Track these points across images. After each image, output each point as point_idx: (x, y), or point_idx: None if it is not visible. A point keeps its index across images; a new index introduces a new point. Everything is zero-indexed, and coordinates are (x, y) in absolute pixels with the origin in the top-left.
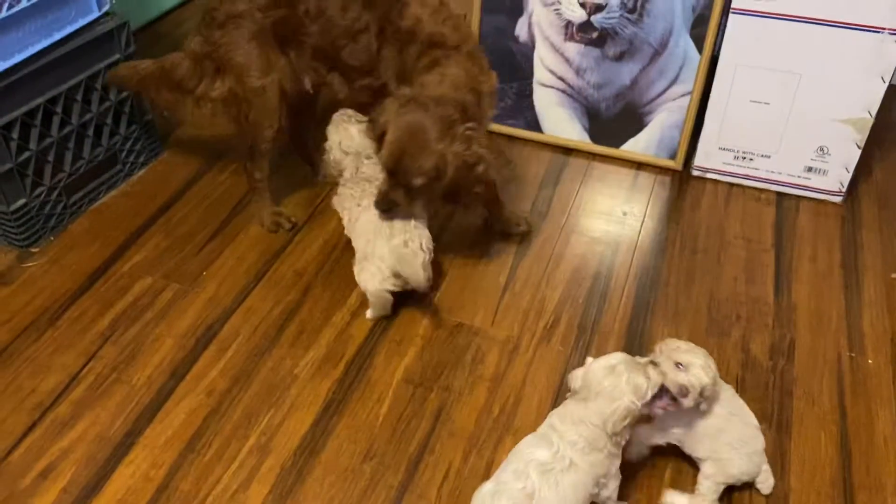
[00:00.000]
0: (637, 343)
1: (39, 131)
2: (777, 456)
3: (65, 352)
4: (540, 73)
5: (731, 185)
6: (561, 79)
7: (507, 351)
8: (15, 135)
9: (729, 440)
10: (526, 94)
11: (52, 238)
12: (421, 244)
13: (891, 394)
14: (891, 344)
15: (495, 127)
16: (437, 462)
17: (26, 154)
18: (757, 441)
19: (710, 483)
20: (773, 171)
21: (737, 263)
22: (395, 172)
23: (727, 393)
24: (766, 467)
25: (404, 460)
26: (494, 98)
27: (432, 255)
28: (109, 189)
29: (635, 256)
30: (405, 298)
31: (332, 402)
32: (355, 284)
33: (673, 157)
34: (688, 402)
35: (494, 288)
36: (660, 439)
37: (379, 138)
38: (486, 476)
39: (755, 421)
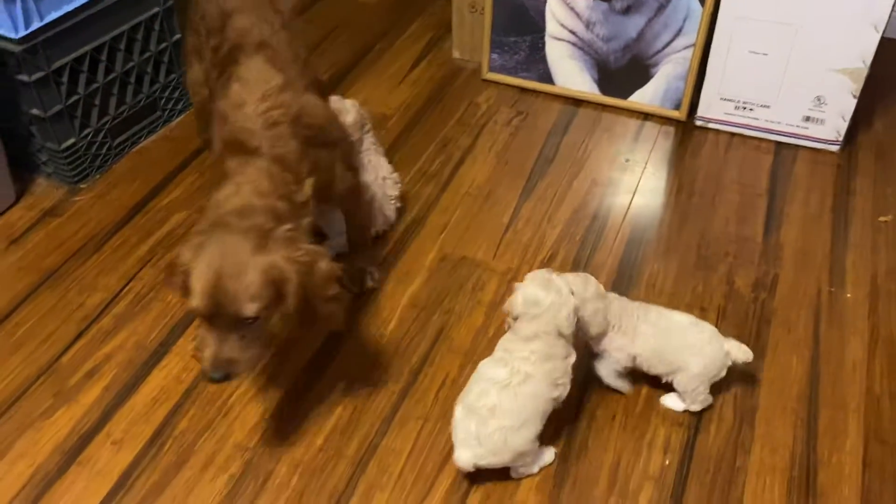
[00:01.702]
0: (627, 276)
1: (87, 77)
2: (749, 376)
3: (108, 274)
4: (552, 27)
5: (732, 134)
6: (572, 32)
7: (505, 280)
8: (64, 79)
9: (676, 347)
10: (538, 48)
11: (97, 176)
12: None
13: (865, 325)
14: (871, 281)
15: (510, 79)
16: (435, 372)
17: (75, 97)
18: (701, 334)
19: (689, 393)
20: (772, 121)
21: (730, 206)
22: (217, 313)
23: (653, 312)
24: (728, 345)
25: (406, 370)
26: (308, 208)
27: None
28: (150, 133)
29: (633, 199)
30: (412, 236)
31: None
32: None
33: (677, 107)
34: None
35: (498, 226)
36: (623, 363)
37: (183, 289)
38: None
39: (686, 318)
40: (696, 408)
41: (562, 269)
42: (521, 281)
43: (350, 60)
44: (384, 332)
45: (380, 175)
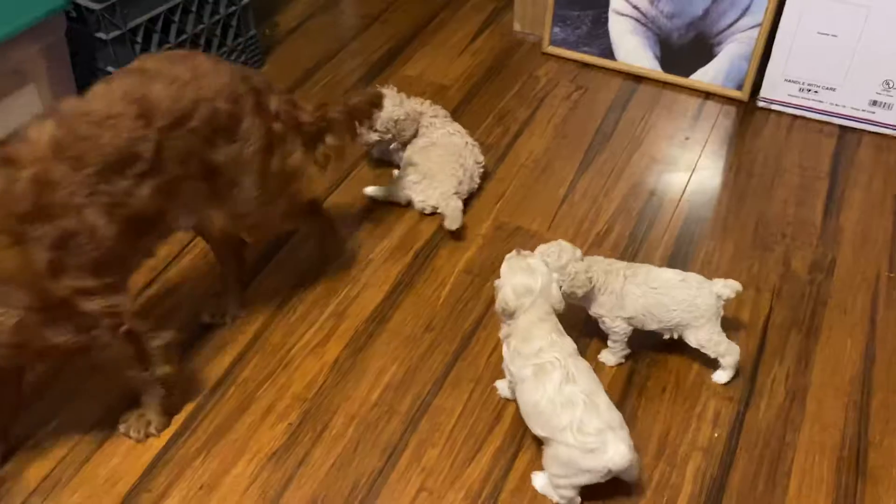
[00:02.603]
0: (683, 253)
1: (159, 37)
2: (802, 355)
3: None
4: (615, 2)
5: (795, 117)
6: (635, 7)
7: None
8: (139, 38)
9: (666, 305)
10: (601, 22)
11: None
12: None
13: None
14: None
15: (570, 53)
16: (487, 337)
17: None
18: (689, 290)
19: (708, 348)
20: (837, 104)
21: (789, 188)
22: None
23: (641, 271)
24: (715, 287)
25: (459, 333)
26: None
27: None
28: None
29: (692, 178)
30: (469, 205)
31: (401, 282)
32: None
33: (740, 87)
34: None
35: (553, 199)
36: (623, 331)
37: None
38: None
39: (674, 275)
40: (730, 360)
41: (617, 244)
42: (498, 277)
43: (411, 31)
44: (440, 294)
45: (468, 141)
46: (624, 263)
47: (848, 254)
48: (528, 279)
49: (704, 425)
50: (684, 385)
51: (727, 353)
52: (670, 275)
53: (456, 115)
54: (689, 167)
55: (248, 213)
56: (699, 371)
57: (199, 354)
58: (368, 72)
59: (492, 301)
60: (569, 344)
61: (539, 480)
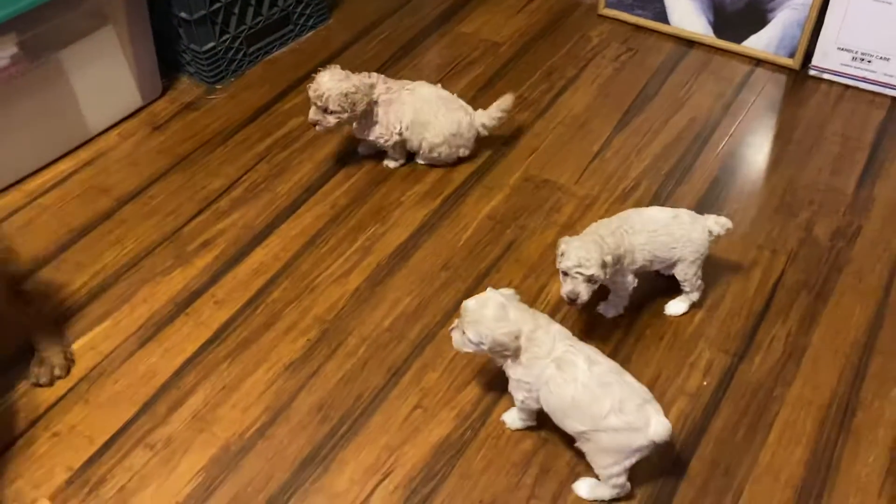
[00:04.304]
0: (702, 212)
1: None
2: (807, 317)
3: (230, 164)
4: None
5: (846, 87)
6: None
7: (583, 205)
8: None
9: (665, 244)
10: None
11: (232, 79)
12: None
13: None
14: None
15: (625, 16)
16: (500, 278)
17: (217, 5)
18: (683, 226)
19: (689, 281)
20: (890, 75)
21: (827, 157)
22: None
23: (632, 217)
24: (707, 223)
25: (474, 274)
26: None
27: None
28: (281, 45)
29: (728, 141)
30: (501, 157)
31: (426, 225)
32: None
33: (792, 55)
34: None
35: (586, 154)
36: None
37: None
38: (539, 295)
39: (664, 213)
40: (695, 296)
41: (640, 200)
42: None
43: None
44: (461, 237)
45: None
46: (614, 220)
47: (876, 224)
48: (505, 323)
49: (695, 373)
50: (682, 336)
51: (699, 289)
52: (661, 213)
53: (504, 71)
54: (728, 132)
55: None
56: (700, 324)
57: (235, 277)
58: (426, 28)
59: (508, 245)
60: (565, 330)
61: (583, 487)
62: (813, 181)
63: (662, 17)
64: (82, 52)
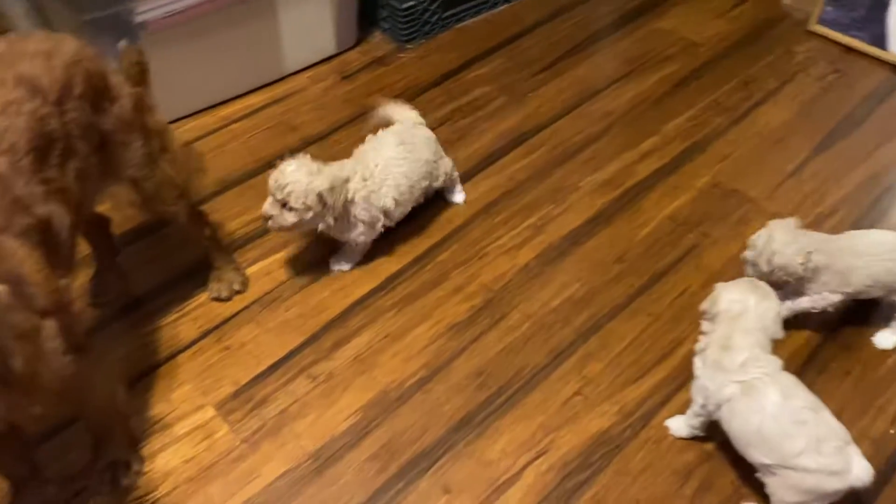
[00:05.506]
0: None
1: None
2: None
3: None
4: None
5: None
6: None
7: None
8: None
9: (890, 269)
10: (881, 6)
11: (423, 40)
12: None
13: None
14: None
15: (837, 35)
16: (676, 282)
17: None
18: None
19: None
20: None
21: None
22: None
23: (856, 239)
24: None
25: (649, 272)
26: None
27: None
28: (475, 15)
29: None
30: (688, 158)
31: (603, 213)
32: (651, 132)
33: None
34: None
35: (780, 171)
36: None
37: None
38: None
39: (886, 236)
40: None
41: (836, 229)
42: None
43: None
44: (639, 233)
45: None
46: (835, 238)
47: None
48: (743, 296)
49: (883, 417)
50: (872, 375)
51: None
52: (886, 237)
53: (699, 72)
54: None
55: (143, 177)
56: (893, 366)
57: (407, 232)
58: (621, 17)
59: (689, 249)
60: (774, 361)
61: None
62: None
63: (880, 41)
64: None
